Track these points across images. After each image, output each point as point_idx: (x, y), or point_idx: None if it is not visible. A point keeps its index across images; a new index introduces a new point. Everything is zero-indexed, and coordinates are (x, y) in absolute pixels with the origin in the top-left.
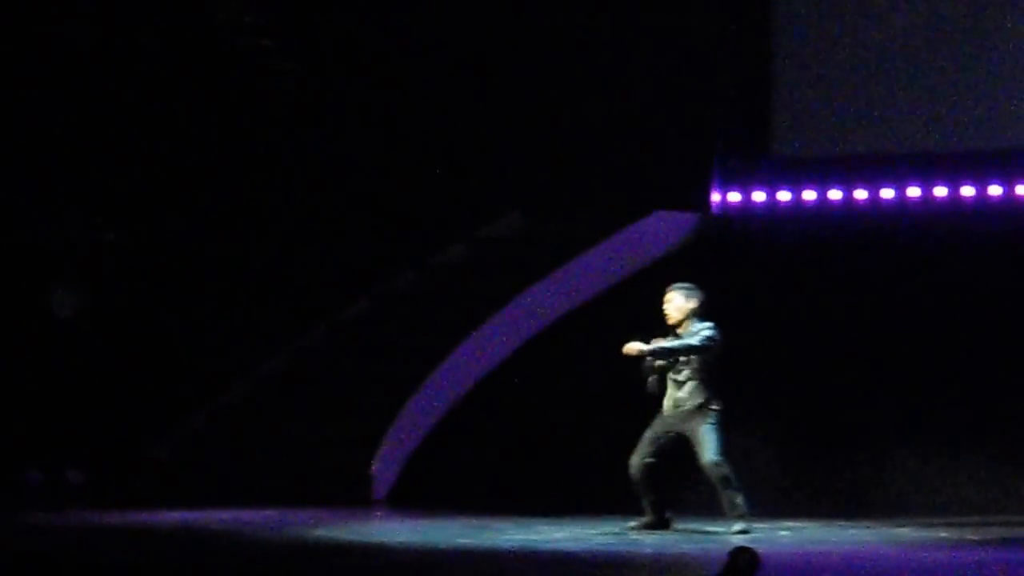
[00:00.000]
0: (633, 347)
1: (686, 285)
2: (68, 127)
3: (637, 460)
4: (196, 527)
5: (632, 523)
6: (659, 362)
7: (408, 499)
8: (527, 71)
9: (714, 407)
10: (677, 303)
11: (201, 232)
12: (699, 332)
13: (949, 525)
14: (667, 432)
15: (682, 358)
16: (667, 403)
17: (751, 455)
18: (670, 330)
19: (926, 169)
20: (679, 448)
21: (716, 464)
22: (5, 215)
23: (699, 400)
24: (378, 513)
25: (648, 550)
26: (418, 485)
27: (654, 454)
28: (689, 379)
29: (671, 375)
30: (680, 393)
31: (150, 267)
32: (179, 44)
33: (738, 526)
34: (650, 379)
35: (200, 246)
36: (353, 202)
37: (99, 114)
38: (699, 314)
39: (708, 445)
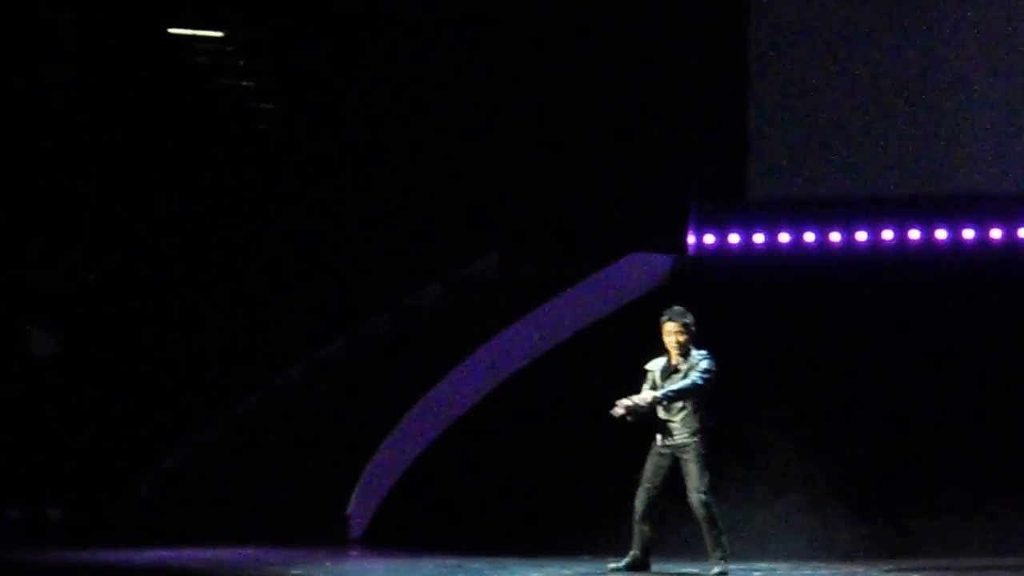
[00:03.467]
0: (646, 396)
1: (679, 309)
2: (53, 167)
3: (643, 493)
4: (173, 566)
5: (613, 564)
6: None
7: (384, 539)
8: (505, 114)
9: (701, 439)
10: (683, 330)
11: (180, 272)
12: (699, 365)
13: (922, 569)
14: (664, 462)
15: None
16: (660, 434)
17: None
18: (668, 358)
19: (899, 212)
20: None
21: (702, 500)
22: None
23: (691, 428)
24: (354, 552)
25: None
26: (393, 525)
27: (657, 486)
28: (682, 409)
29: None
30: (674, 423)
31: (129, 307)
32: (162, 85)
33: (717, 568)
34: (633, 417)
35: (179, 287)
36: (329, 244)
37: (82, 153)
38: (694, 338)
39: (695, 479)
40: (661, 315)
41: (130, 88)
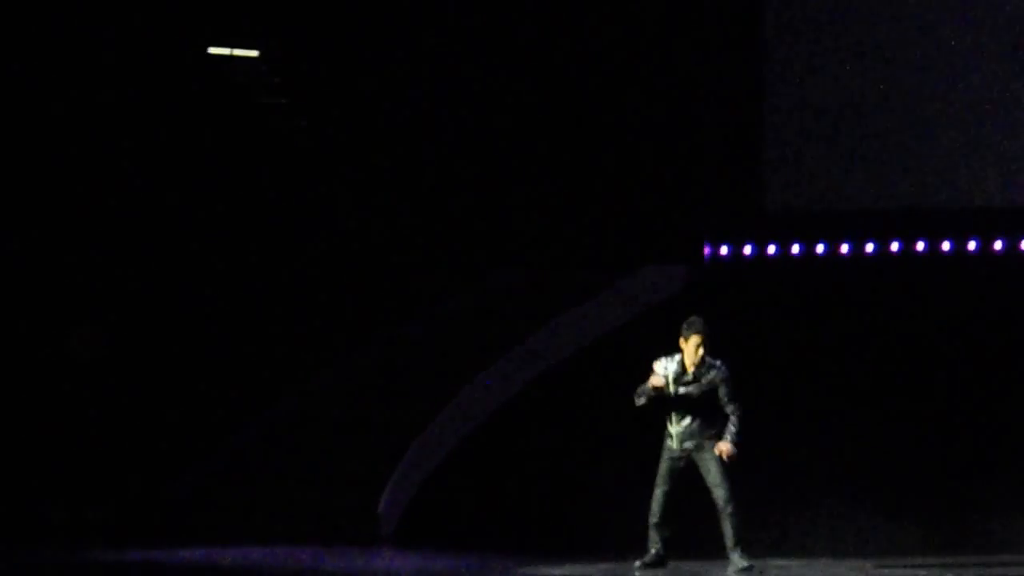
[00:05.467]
0: (726, 448)
1: (701, 320)
2: (95, 180)
3: (660, 495)
4: (209, 565)
5: (638, 562)
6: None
7: (414, 537)
8: (529, 129)
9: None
10: (705, 342)
11: (217, 280)
12: (716, 377)
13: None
14: (678, 464)
15: (695, 395)
16: (677, 435)
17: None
18: (681, 364)
19: (906, 225)
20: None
21: (725, 496)
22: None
23: (710, 431)
24: (384, 550)
25: None
26: (424, 523)
27: (672, 489)
28: (695, 419)
29: (678, 407)
30: (693, 426)
31: (169, 310)
32: (199, 103)
33: (744, 563)
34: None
35: (217, 294)
36: (362, 253)
37: (119, 169)
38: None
39: (716, 475)
40: (684, 327)
41: (170, 105)
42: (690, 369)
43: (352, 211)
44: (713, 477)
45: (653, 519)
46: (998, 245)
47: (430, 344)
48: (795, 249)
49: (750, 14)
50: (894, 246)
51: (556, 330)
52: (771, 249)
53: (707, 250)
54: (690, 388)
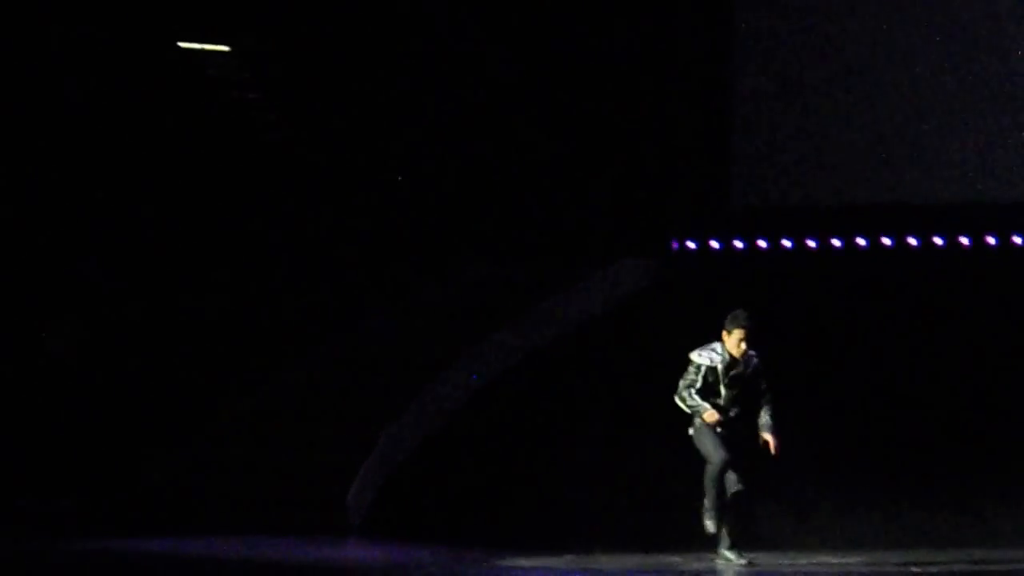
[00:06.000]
0: (774, 440)
1: (742, 313)
2: (64, 176)
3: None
4: (178, 553)
5: (745, 559)
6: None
7: (382, 528)
8: (496, 120)
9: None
10: (747, 335)
11: (187, 274)
12: (758, 367)
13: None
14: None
15: (741, 388)
16: (722, 428)
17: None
18: (729, 356)
19: (873, 220)
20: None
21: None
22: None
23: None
24: (352, 541)
25: None
26: (392, 515)
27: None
28: (742, 405)
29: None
30: (733, 418)
31: (141, 304)
32: (171, 97)
33: (736, 558)
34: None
35: (186, 288)
36: (331, 247)
37: (88, 162)
38: None
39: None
40: (728, 320)
41: (141, 99)
42: (739, 360)
43: (324, 203)
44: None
45: (722, 493)
46: (964, 241)
47: (401, 336)
48: (762, 244)
49: (721, 10)
50: (860, 241)
51: (526, 323)
52: (738, 244)
53: (675, 244)
54: (738, 382)
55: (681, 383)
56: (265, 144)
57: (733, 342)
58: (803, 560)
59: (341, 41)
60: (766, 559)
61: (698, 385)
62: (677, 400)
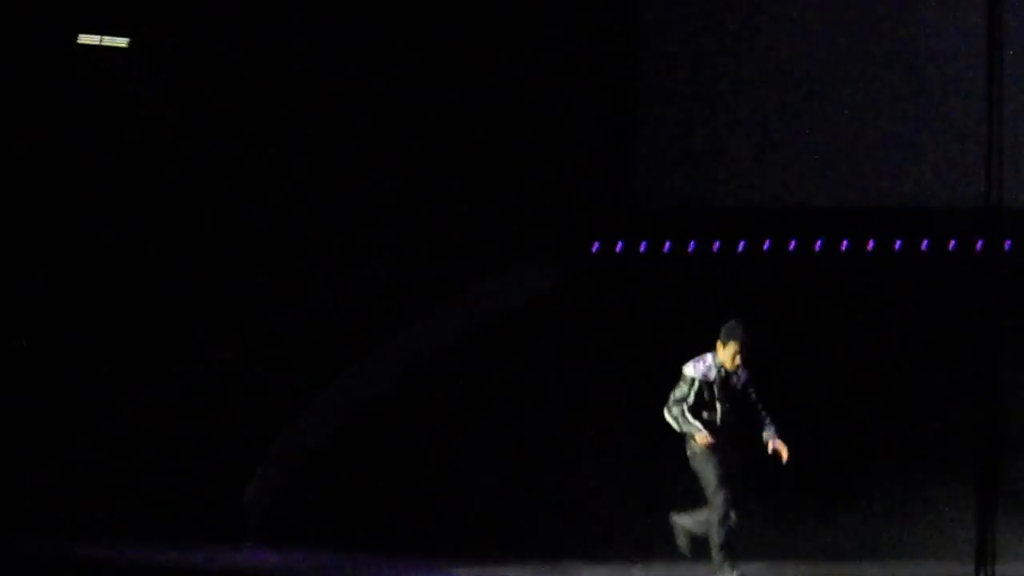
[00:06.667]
0: (782, 446)
1: (739, 325)
2: None
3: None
4: (69, 556)
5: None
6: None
7: (281, 533)
8: (399, 116)
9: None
10: (742, 348)
11: (87, 267)
12: (746, 378)
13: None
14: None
15: (734, 400)
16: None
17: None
18: (723, 368)
19: (779, 223)
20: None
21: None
22: None
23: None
24: (249, 545)
25: None
26: (291, 519)
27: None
28: (732, 417)
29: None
30: (726, 431)
31: (35, 300)
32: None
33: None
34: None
35: (83, 286)
36: (232, 243)
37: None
38: None
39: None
40: (724, 331)
41: (35, 94)
42: (733, 371)
43: (223, 201)
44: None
45: (729, 524)
46: (870, 245)
47: (300, 336)
48: (666, 246)
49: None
50: (766, 244)
51: (428, 324)
52: (642, 246)
53: (578, 246)
54: (733, 395)
55: (672, 397)
56: (166, 140)
57: (728, 355)
58: (702, 570)
59: (244, 35)
60: (664, 570)
61: (690, 400)
62: (667, 415)
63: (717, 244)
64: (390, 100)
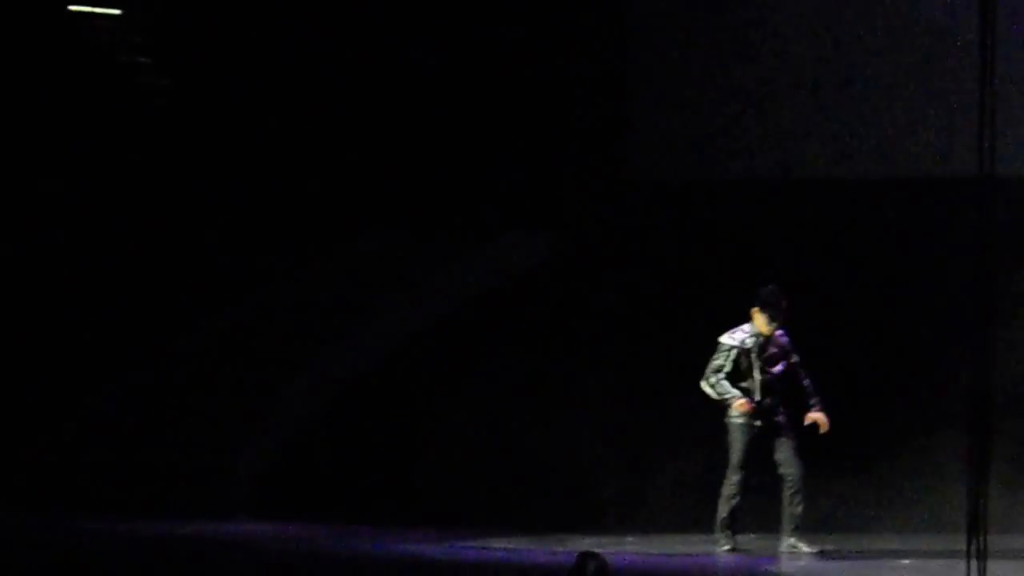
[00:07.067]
0: (823, 419)
1: (775, 289)
2: None
3: (742, 477)
4: (63, 531)
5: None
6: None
7: (273, 506)
8: (386, 87)
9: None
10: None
11: (70, 248)
12: (787, 343)
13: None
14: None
15: (776, 368)
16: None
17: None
18: (760, 334)
19: (771, 195)
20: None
21: (798, 472)
22: None
23: (782, 408)
24: (241, 517)
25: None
26: (284, 492)
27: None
28: (777, 387)
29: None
30: (770, 402)
31: (25, 279)
32: (58, 60)
33: (804, 547)
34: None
35: (69, 264)
36: (221, 217)
37: None
38: None
39: (789, 451)
40: (768, 297)
41: (28, 64)
42: (770, 337)
43: (216, 172)
44: (786, 455)
45: (735, 503)
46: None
47: (290, 308)
48: (659, 218)
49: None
50: (760, 216)
51: (418, 296)
52: (635, 217)
53: (573, 217)
54: (772, 363)
55: (709, 367)
56: (157, 110)
57: (763, 320)
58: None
59: (233, 5)
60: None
61: (727, 369)
62: (704, 385)
63: (714, 217)
64: (381, 73)
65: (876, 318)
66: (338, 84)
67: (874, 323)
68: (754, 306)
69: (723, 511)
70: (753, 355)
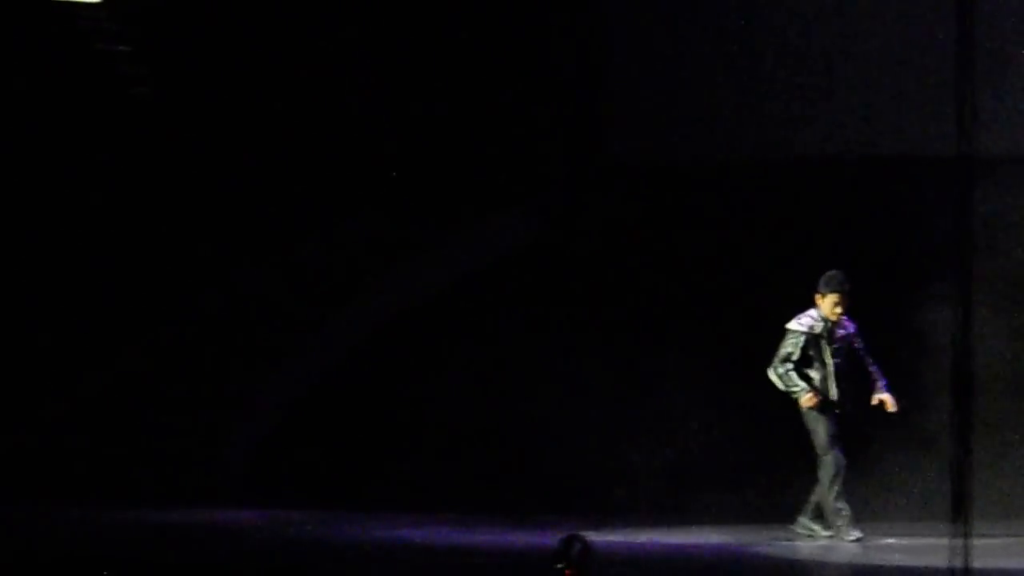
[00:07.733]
0: (890, 400)
1: (838, 274)
2: None
3: (839, 458)
4: (50, 519)
5: (855, 535)
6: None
7: (260, 491)
8: (374, 73)
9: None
10: (843, 299)
11: (54, 233)
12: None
13: None
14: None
15: (843, 353)
16: (838, 398)
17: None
18: (828, 320)
19: (752, 178)
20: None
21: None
22: None
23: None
24: (230, 503)
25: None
26: (272, 477)
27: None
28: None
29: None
30: (843, 386)
31: (13, 262)
32: (37, 49)
33: (824, 532)
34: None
35: (52, 249)
36: (207, 201)
37: None
38: None
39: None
40: (823, 283)
41: (5, 52)
42: (836, 321)
43: (198, 158)
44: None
45: (837, 488)
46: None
47: (278, 291)
48: (638, 200)
49: None
50: (737, 199)
51: (403, 279)
52: (615, 201)
53: (553, 201)
54: (841, 349)
55: (777, 355)
56: (136, 98)
57: (828, 305)
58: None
59: None
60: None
61: (796, 356)
62: (771, 374)
63: (695, 201)
64: (364, 58)
65: (863, 302)
66: (321, 69)
67: (860, 307)
68: (817, 291)
69: (830, 495)
70: (823, 341)
